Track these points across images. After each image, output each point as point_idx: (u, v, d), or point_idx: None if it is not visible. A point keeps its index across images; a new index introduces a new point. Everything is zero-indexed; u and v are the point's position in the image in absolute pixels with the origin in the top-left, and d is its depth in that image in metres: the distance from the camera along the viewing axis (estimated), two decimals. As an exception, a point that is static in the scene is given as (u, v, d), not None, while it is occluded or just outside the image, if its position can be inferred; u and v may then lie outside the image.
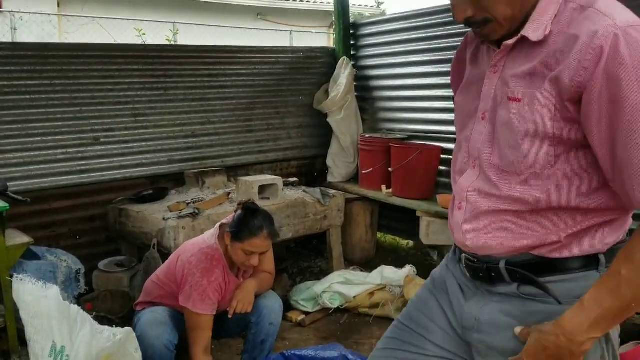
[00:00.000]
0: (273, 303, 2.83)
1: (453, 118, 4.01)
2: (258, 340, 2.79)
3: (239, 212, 2.66)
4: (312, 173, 5.27)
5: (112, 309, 3.43)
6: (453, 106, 4.03)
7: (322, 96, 5.16)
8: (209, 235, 2.76)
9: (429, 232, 4.06)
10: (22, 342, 2.58)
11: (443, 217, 4.01)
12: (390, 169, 4.47)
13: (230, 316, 2.68)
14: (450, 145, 4.28)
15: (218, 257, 2.64)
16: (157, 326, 2.57)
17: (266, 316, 2.77)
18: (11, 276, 2.36)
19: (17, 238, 3.18)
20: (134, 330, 2.58)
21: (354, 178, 5.10)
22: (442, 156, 4.45)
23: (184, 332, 2.65)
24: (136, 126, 4.20)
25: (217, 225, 2.78)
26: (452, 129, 3.85)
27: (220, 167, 4.50)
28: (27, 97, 3.71)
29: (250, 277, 2.78)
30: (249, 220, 2.59)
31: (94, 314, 2.66)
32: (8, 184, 3.37)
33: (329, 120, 5.09)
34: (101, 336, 2.42)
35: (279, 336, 3.11)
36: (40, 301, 2.33)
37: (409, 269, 3.82)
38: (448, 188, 4.45)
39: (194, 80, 4.47)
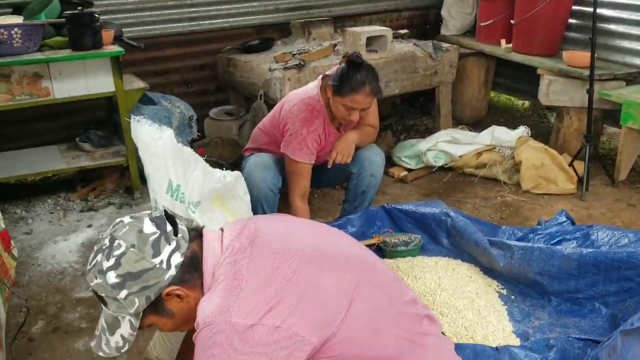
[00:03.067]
0: (375, 155, 2.80)
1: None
2: (359, 190, 2.82)
3: (342, 65, 2.54)
4: (424, 25, 4.92)
5: (222, 154, 3.60)
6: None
7: (441, -64, 4.63)
8: (312, 86, 2.71)
9: (549, 92, 3.73)
10: (143, 180, 2.81)
11: (567, 75, 3.65)
12: (512, 21, 4.05)
13: (329, 166, 2.71)
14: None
15: (319, 108, 2.61)
16: (262, 169, 2.67)
17: (367, 168, 2.77)
18: (130, 118, 2.48)
19: (134, 83, 3.34)
20: (242, 172, 2.69)
21: (471, 31, 4.70)
22: (573, 7, 3.93)
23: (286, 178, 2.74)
24: (243, -29, 4.07)
25: (320, 76, 2.72)
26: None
27: (327, 17, 4.31)
28: (136, -61, 3.67)
29: (352, 129, 2.75)
30: (352, 74, 2.47)
31: (206, 157, 2.81)
32: (123, 29, 3.48)
33: (446, -36, 4.62)
34: (212, 177, 2.55)
35: (380, 190, 3.14)
36: (157, 142, 2.46)
37: (522, 130, 3.59)
38: (577, 43, 3.99)
39: None
